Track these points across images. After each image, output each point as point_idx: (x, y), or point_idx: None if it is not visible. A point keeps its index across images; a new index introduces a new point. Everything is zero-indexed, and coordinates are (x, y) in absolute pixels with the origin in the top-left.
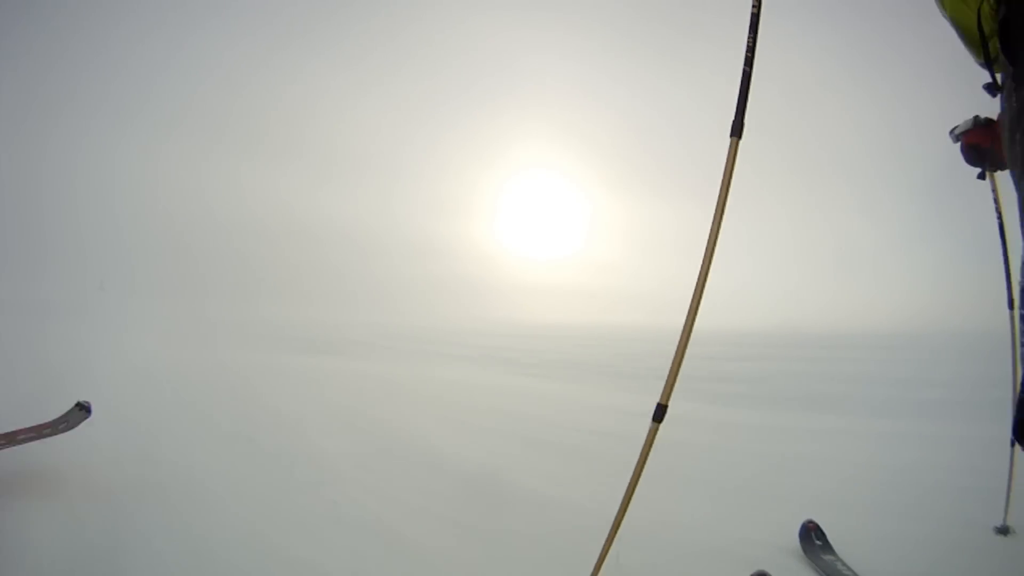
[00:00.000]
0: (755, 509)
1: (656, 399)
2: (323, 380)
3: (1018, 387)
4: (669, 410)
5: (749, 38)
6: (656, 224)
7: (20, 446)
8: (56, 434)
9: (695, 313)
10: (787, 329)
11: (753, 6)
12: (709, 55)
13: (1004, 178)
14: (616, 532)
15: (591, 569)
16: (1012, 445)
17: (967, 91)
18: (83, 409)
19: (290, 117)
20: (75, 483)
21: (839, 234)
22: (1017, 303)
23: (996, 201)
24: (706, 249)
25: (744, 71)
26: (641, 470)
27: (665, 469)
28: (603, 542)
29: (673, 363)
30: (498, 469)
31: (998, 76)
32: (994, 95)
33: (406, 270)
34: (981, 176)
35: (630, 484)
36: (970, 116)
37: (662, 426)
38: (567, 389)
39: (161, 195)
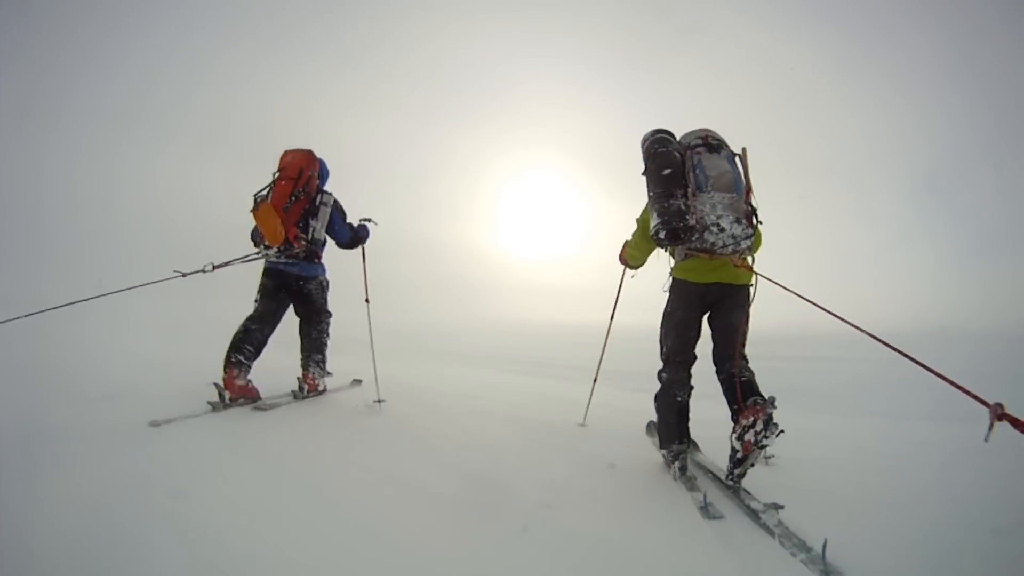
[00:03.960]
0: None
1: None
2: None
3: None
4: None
5: None
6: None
7: None
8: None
9: None
10: (785, 329)
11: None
12: (709, 54)
13: None
14: None
15: None
16: None
17: (962, 91)
18: (358, 382)
19: (287, 121)
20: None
21: (836, 234)
22: None
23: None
24: None
25: None
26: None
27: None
28: None
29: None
30: (497, 468)
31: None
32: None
33: (406, 271)
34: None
35: None
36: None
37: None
38: (565, 387)
39: (160, 197)
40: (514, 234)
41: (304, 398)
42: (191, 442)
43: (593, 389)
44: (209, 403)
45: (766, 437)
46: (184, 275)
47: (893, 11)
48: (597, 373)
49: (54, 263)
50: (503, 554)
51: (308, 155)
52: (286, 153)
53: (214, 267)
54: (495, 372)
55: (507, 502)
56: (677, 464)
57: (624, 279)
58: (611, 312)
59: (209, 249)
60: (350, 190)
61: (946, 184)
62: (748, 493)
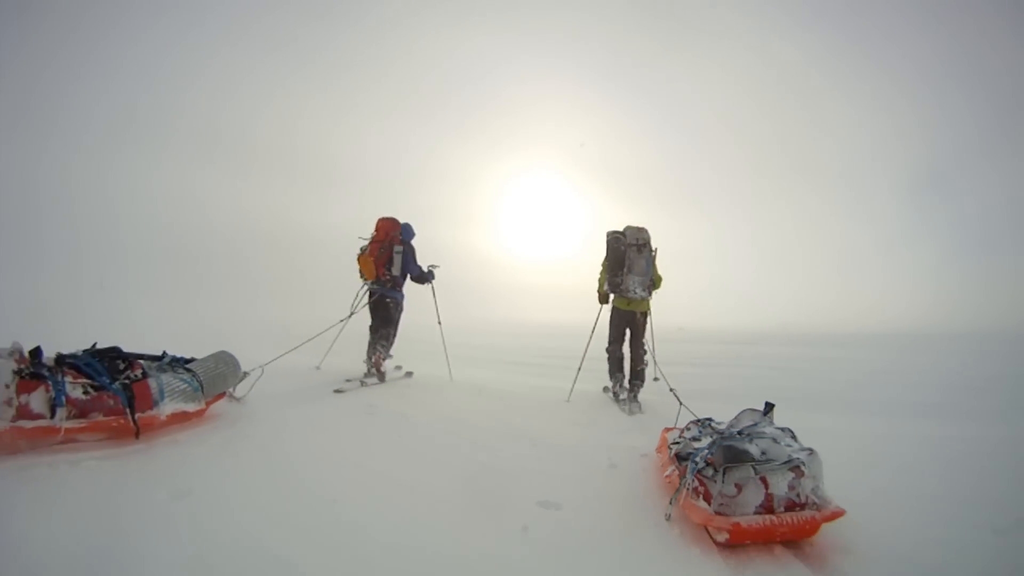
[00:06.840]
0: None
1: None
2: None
3: None
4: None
5: None
6: (654, 227)
7: None
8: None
9: None
10: (786, 329)
11: None
12: (710, 48)
13: None
14: None
15: None
16: None
17: (959, 92)
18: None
19: (284, 122)
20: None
21: (836, 234)
22: None
23: None
24: None
25: None
26: None
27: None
28: None
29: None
30: (498, 468)
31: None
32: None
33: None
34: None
35: None
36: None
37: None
38: (565, 386)
39: (158, 200)
40: (515, 235)
41: (372, 374)
42: (196, 441)
43: (577, 377)
44: (361, 379)
45: (639, 384)
46: (351, 315)
47: (893, 9)
48: (581, 362)
49: (53, 264)
50: (503, 554)
51: (392, 221)
52: (379, 220)
53: (360, 308)
54: (496, 372)
55: (507, 502)
56: (616, 385)
57: (601, 312)
58: (592, 327)
59: (208, 250)
60: (349, 192)
61: (946, 182)
62: (637, 402)
